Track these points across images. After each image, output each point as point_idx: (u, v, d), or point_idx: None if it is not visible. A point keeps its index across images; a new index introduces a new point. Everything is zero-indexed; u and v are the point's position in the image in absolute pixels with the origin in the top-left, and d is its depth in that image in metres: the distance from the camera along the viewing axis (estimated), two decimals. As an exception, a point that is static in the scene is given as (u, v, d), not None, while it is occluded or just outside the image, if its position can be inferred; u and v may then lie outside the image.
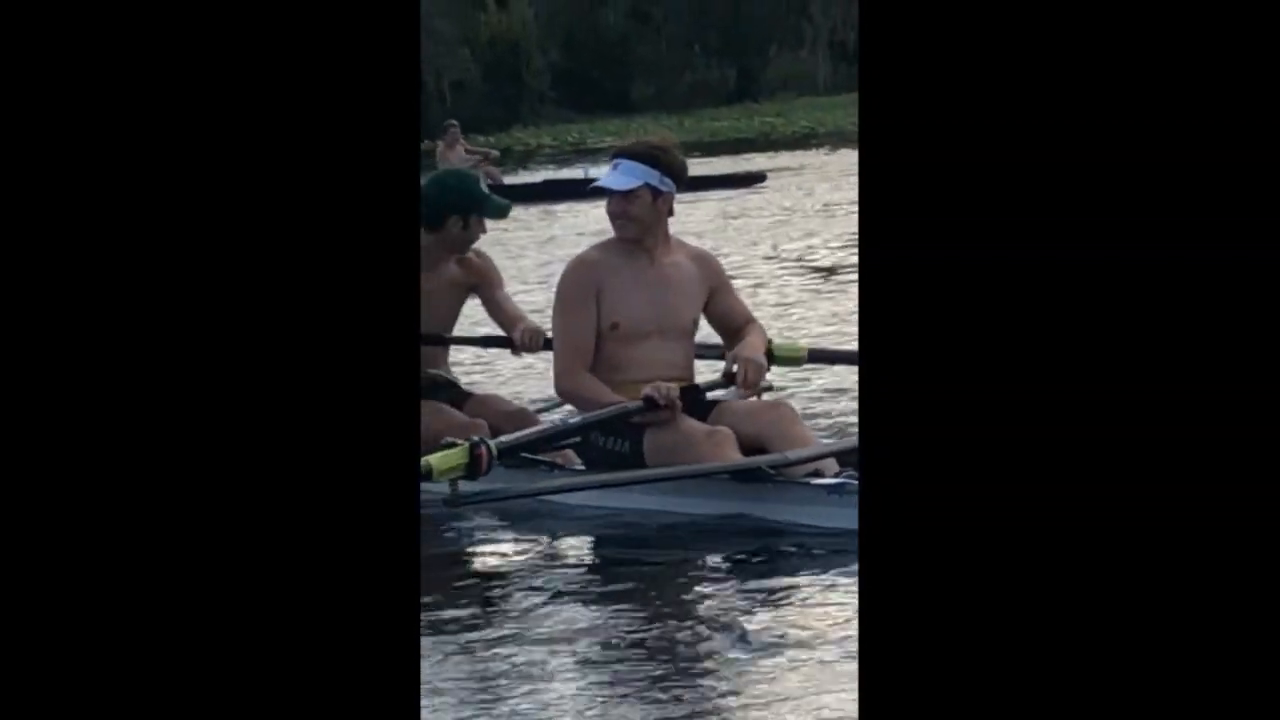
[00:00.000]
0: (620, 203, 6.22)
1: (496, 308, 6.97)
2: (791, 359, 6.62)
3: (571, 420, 6.34)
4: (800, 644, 4.51)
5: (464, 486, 5.67)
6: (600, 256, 6.31)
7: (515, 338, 6.79)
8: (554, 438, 6.26)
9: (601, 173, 6.32)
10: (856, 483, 5.59)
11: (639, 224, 6.23)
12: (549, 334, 6.55)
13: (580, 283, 6.23)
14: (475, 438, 5.74)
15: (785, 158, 28.73)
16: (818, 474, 5.86)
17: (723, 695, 4.21)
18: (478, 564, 5.83)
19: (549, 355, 6.60)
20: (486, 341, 7.17)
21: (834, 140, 32.90)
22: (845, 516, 5.42)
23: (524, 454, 6.16)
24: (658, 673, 4.39)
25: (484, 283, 6.96)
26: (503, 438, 5.97)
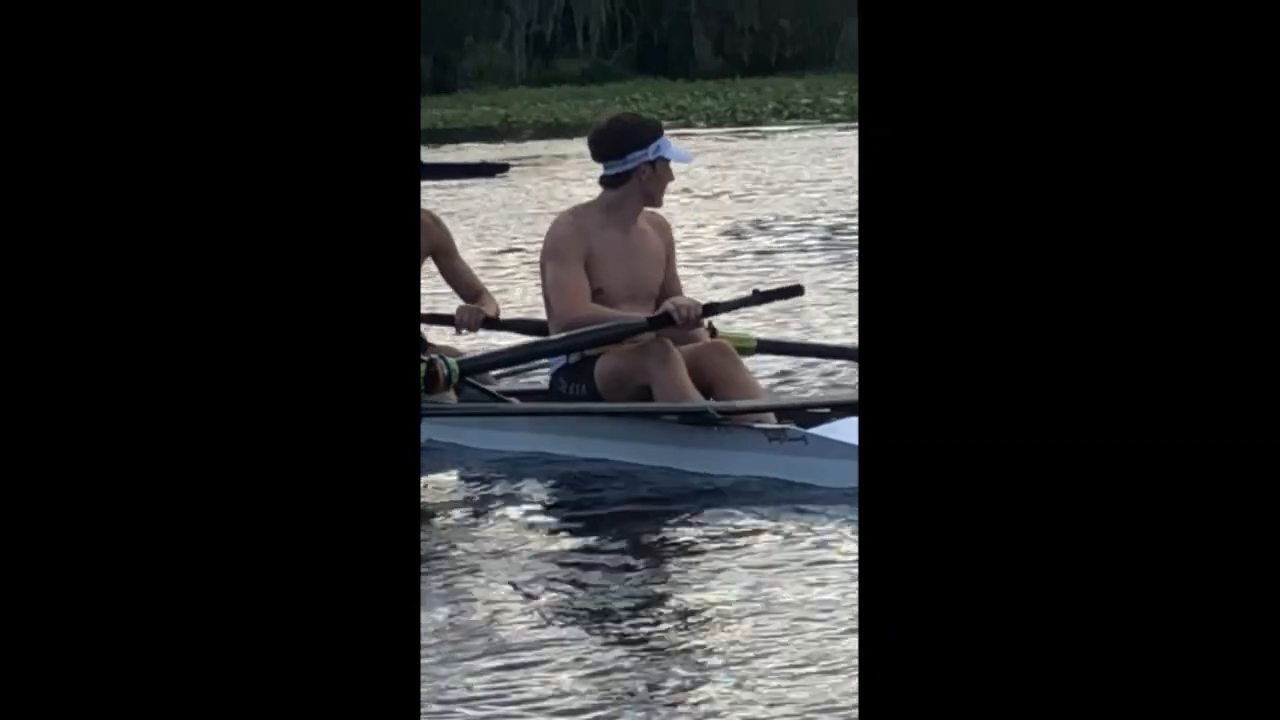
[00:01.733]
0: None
1: (455, 277, 7.24)
2: (742, 350, 6.75)
3: (535, 341, 6.61)
4: (749, 599, 4.60)
5: (426, 403, 5.95)
6: (585, 223, 6.51)
7: (455, 315, 7.07)
8: (517, 359, 6.62)
9: None
10: (797, 429, 6.04)
11: None
12: (488, 314, 7.04)
13: (573, 243, 6.44)
14: (432, 355, 6.14)
15: (506, 149, 27.68)
16: (759, 421, 6.16)
17: (696, 659, 4.19)
18: (432, 515, 5.83)
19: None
20: (427, 319, 7.25)
21: (570, 132, 31.99)
22: (784, 464, 5.90)
23: (480, 387, 6.53)
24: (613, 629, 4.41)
25: (440, 249, 7.16)
26: (464, 357, 6.42)
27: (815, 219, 15.67)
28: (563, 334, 6.32)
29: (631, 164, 6.51)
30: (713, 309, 6.36)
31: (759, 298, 6.65)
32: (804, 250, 13.28)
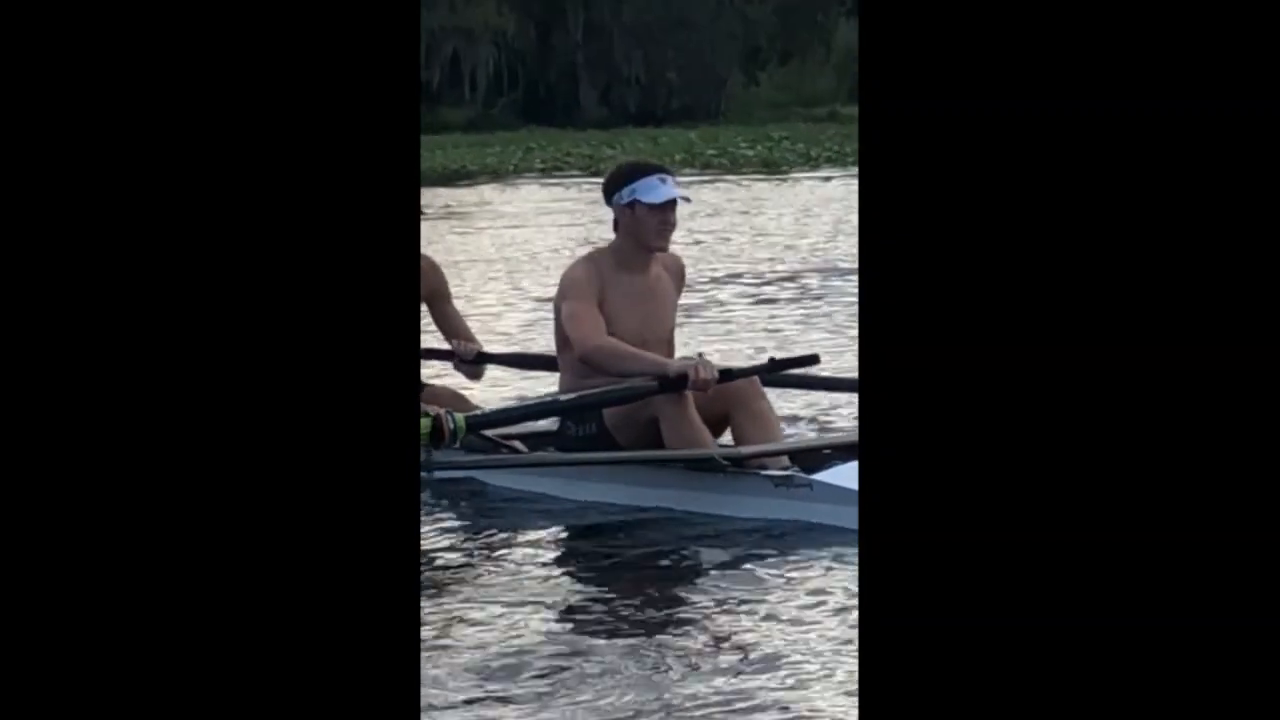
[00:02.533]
0: (674, 215, 6.53)
1: (447, 322, 7.25)
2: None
3: (545, 401, 6.67)
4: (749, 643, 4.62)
5: (436, 456, 6.06)
6: (598, 268, 6.52)
7: (455, 347, 7.18)
8: (524, 417, 6.62)
9: None
10: (803, 475, 6.09)
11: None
12: (482, 350, 7.25)
13: (586, 284, 6.45)
14: (439, 410, 6.20)
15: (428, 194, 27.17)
16: (763, 466, 6.21)
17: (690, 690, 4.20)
18: (441, 556, 5.81)
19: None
20: (425, 354, 7.20)
21: (471, 178, 31.60)
22: (790, 508, 5.97)
23: (485, 436, 6.46)
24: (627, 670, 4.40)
25: (436, 294, 7.18)
26: (472, 412, 6.43)
27: (772, 269, 15.46)
28: (573, 394, 6.39)
29: (613, 209, 6.61)
30: (728, 375, 6.36)
31: (775, 365, 6.72)
32: (771, 303, 13.07)
